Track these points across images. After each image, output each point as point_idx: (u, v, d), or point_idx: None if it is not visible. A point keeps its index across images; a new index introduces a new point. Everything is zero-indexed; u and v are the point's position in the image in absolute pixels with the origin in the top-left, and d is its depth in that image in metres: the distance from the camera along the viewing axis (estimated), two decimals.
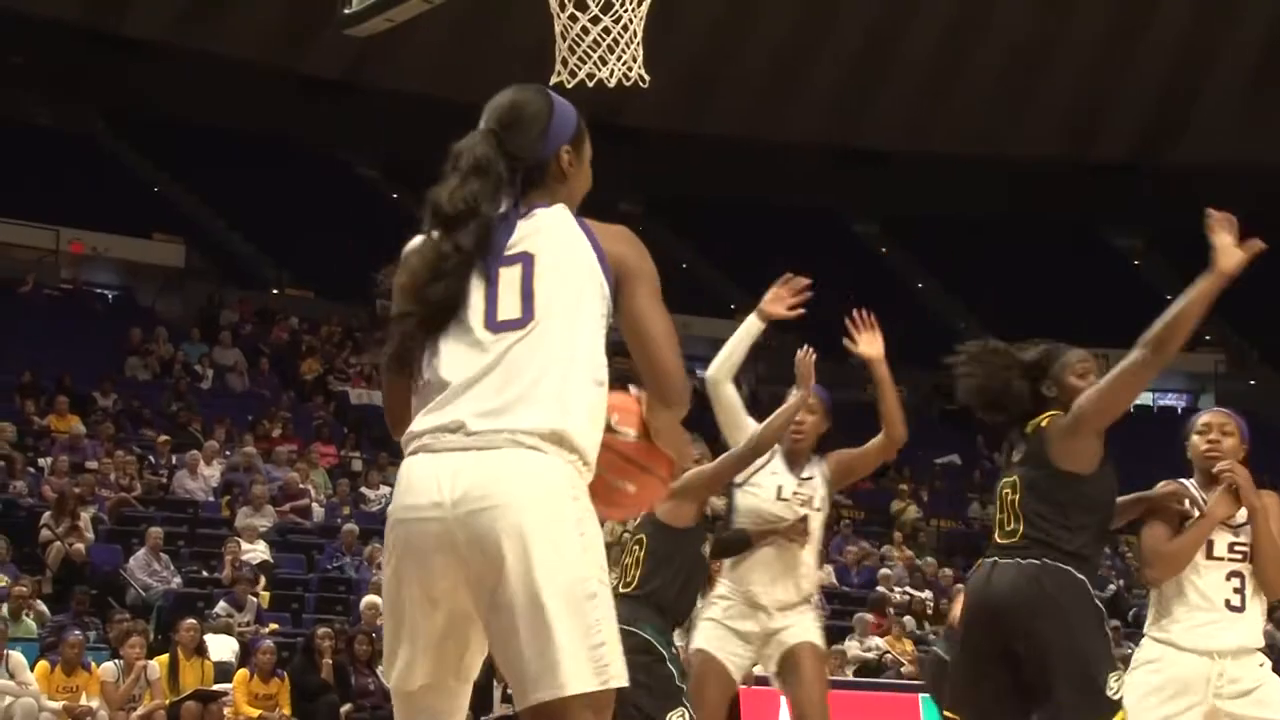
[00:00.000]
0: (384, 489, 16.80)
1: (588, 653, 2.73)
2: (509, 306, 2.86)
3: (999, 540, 4.75)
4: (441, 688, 2.92)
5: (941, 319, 31.46)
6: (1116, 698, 4.48)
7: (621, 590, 5.23)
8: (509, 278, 2.89)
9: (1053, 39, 28.58)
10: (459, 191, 2.93)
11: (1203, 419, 5.17)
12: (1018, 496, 4.70)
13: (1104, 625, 4.59)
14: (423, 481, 2.80)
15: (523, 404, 2.79)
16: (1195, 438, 5.11)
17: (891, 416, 5.98)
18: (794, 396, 5.75)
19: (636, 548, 5.42)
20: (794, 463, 6.09)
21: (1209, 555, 4.87)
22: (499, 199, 2.95)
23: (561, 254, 2.91)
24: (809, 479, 6.05)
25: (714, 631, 5.75)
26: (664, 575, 5.34)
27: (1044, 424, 4.72)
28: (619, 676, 2.77)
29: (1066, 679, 4.45)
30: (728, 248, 30.16)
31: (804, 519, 5.92)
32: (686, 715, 5.19)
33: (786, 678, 5.79)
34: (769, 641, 5.80)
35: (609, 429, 2.94)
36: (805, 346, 5.80)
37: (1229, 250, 4.50)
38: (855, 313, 5.74)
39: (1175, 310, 4.59)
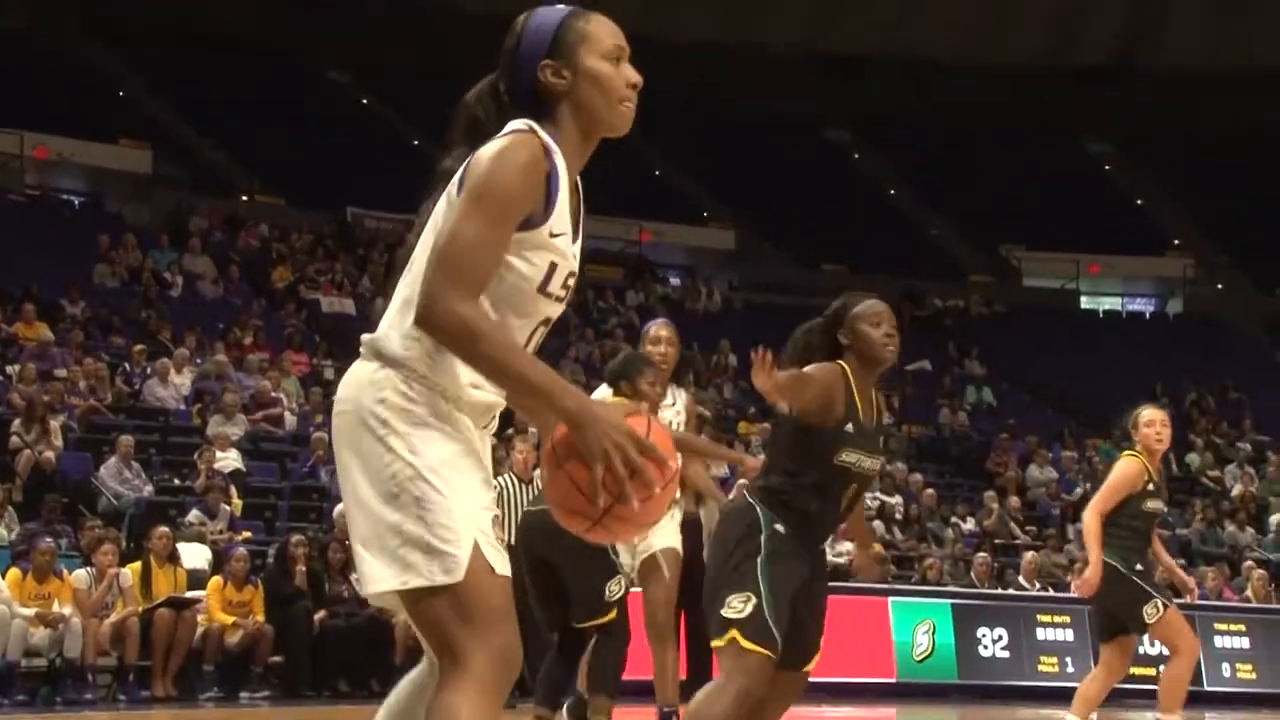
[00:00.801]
0: None
1: (389, 552, 2.74)
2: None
3: None
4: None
5: (913, 225, 31.44)
6: (734, 617, 4.56)
7: None
8: None
9: None
10: (443, 161, 2.93)
11: None
12: None
13: (750, 554, 4.64)
14: None
15: (382, 319, 2.88)
16: None
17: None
18: (745, 457, 6.88)
19: None
20: None
21: None
22: (471, 141, 2.88)
23: (456, 178, 2.85)
24: (670, 405, 6.86)
25: None
26: None
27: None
28: (427, 576, 2.70)
29: (704, 598, 4.75)
30: (699, 154, 30.00)
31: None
32: (624, 582, 6.17)
33: (646, 576, 6.71)
34: (640, 542, 6.70)
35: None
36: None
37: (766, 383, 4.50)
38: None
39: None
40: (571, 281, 2.91)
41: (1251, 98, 29.82)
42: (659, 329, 6.98)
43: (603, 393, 6.72)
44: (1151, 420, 7.30)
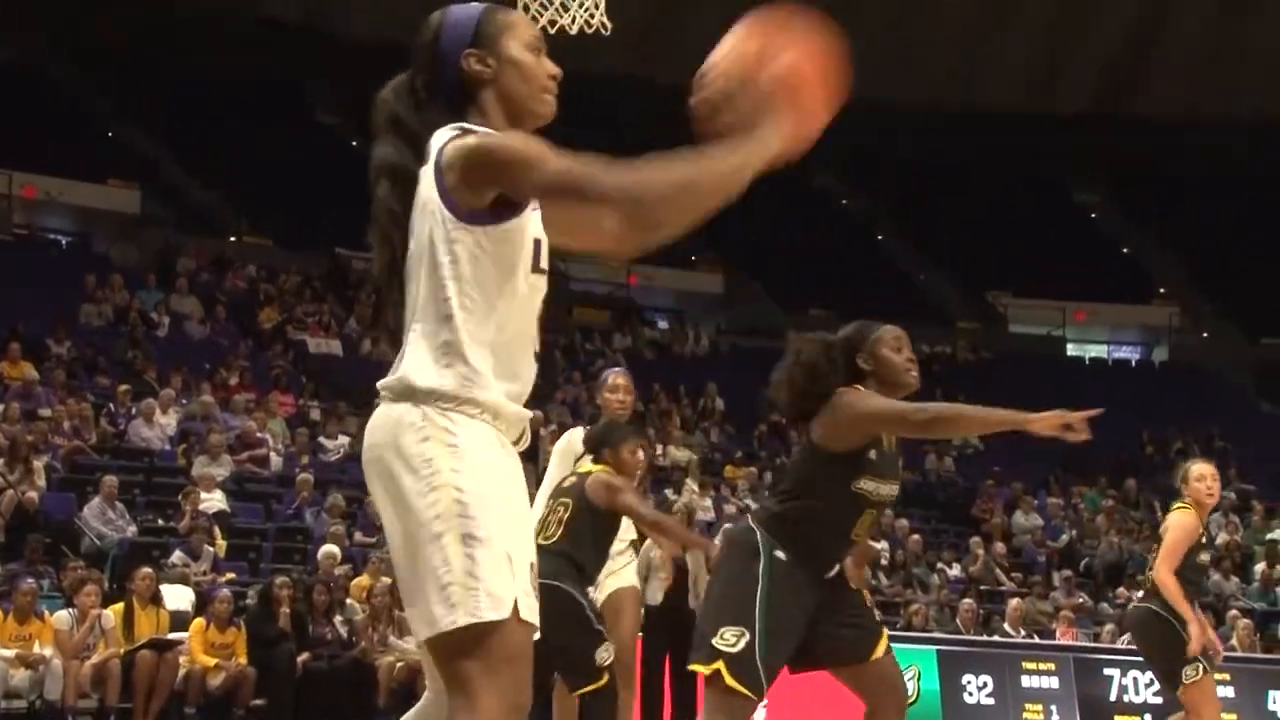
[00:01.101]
0: (342, 439, 16.76)
1: (436, 594, 2.74)
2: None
3: None
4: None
5: (901, 271, 31.53)
6: (724, 650, 4.52)
7: (540, 542, 6.10)
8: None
9: None
10: (374, 152, 2.97)
11: None
12: None
13: (748, 584, 4.58)
14: None
15: (401, 360, 2.88)
16: None
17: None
18: (698, 543, 6.86)
19: (561, 509, 6.28)
20: None
21: None
22: (409, 142, 2.93)
23: (422, 188, 2.87)
24: None
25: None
26: (584, 539, 6.27)
27: (837, 392, 4.73)
28: (474, 613, 2.72)
29: (699, 623, 4.72)
30: None
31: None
32: (610, 648, 6.24)
33: (609, 617, 6.85)
34: (603, 581, 6.87)
35: None
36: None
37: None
38: None
39: (968, 413, 4.81)
40: (545, 248, 2.95)
41: (1238, 145, 30.00)
42: (616, 377, 7.15)
43: (571, 439, 6.83)
44: (1202, 475, 7.34)
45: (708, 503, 17.67)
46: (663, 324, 28.35)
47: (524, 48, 2.97)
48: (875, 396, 4.69)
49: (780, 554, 4.62)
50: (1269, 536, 20.14)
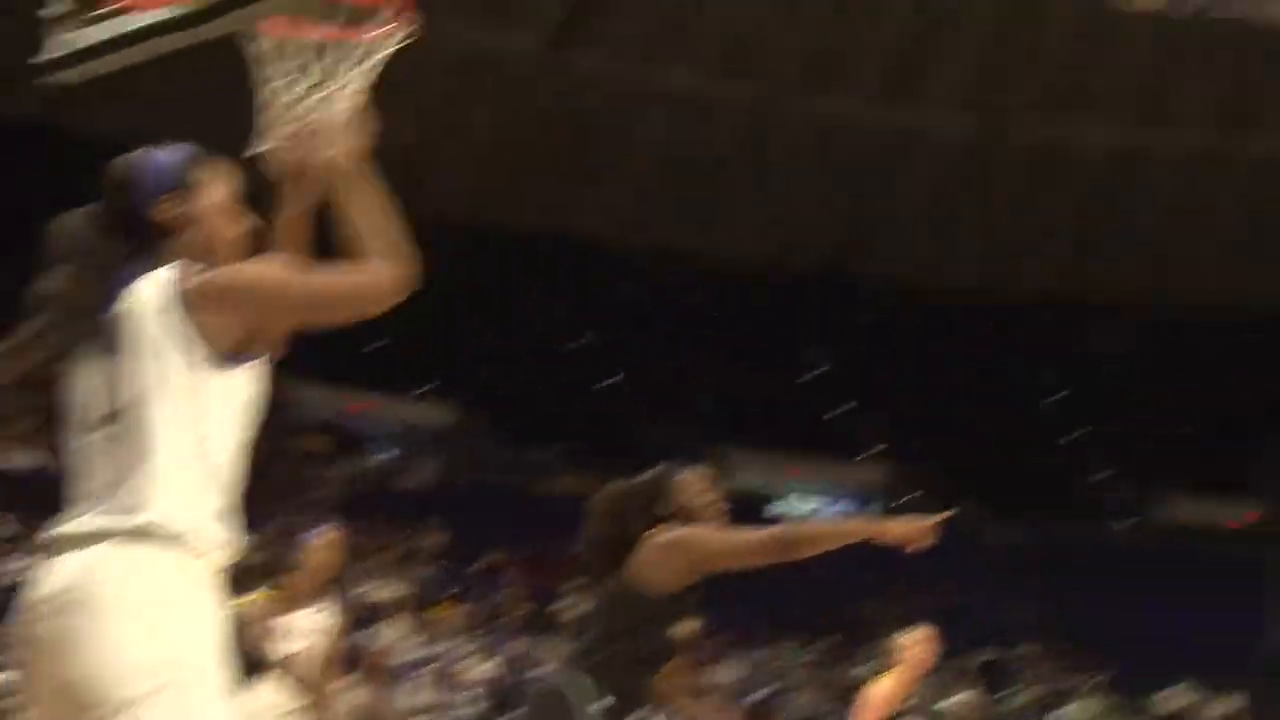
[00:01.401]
0: (24, 561, 15.89)
1: None
2: (100, 401, 2.82)
3: None
4: None
5: (626, 417, 31.91)
6: None
7: None
8: (101, 368, 2.83)
9: (749, 154, 29.58)
10: (47, 281, 2.90)
11: None
12: None
13: None
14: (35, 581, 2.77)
15: (106, 502, 2.75)
16: None
17: None
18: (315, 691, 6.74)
19: None
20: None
21: None
22: (98, 278, 2.88)
23: (146, 334, 2.81)
24: (318, 612, 6.92)
25: None
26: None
27: (652, 534, 4.69)
28: None
29: None
30: (417, 328, 29.91)
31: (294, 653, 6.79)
32: None
33: None
34: None
35: None
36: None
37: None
38: None
39: (816, 529, 5.09)
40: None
41: (959, 315, 31.40)
42: (327, 534, 7.06)
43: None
44: (912, 642, 7.48)
45: (416, 640, 17.38)
46: (384, 455, 28.00)
47: (219, 203, 2.99)
48: (709, 533, 4.64)
49: (601, 704, 4.55)
50: (940, 705, 20.72)
